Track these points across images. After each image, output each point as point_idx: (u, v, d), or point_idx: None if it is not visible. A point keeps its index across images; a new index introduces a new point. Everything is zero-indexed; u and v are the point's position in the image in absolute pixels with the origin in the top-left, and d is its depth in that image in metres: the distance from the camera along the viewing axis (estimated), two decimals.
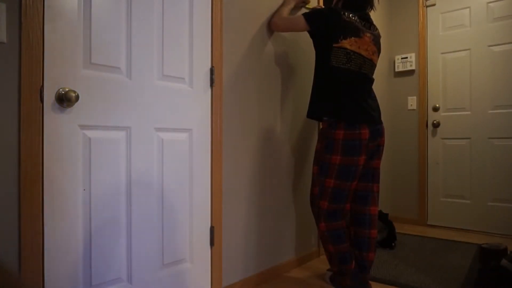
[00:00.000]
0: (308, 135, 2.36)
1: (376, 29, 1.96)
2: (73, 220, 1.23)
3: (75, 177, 1.23)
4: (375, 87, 3.27)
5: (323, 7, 2.27)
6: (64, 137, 1.20)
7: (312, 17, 1.84)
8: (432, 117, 3.34)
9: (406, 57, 3.45)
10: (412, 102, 3.44)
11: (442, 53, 3.29)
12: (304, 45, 2.30)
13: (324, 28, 1.80)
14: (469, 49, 3.16)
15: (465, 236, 3.01)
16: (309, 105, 1.92)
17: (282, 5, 2.07)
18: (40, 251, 1.15)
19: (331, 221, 1.83)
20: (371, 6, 1.95)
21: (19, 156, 1.10)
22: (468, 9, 3.16)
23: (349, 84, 1.80)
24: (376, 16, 3.33)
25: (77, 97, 1.19)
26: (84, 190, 1.26)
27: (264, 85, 2.00)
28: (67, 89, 1.18)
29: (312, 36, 1.90)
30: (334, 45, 1.78)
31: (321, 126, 1.87)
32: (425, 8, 3.38)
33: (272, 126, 2.06)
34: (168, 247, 1.53)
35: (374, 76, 2.00)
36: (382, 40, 3.41)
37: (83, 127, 1.25)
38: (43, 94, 1.15)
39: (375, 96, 1.92)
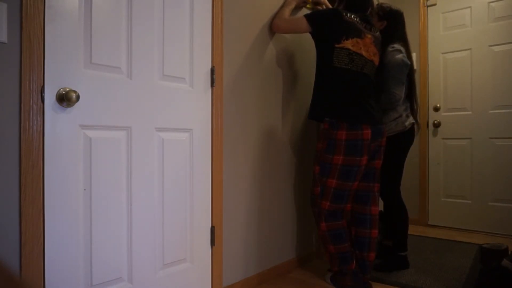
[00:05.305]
0: (309, 135, 2.36)
1: (377, 30, 1.96)
2: (74, 220, 1.23)
3: (76, 177, 1.23)
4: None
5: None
6: (64, 137, 1.20)
7: (314, 18, 1.84)
8: (433, 117, 3.33)
9: None
10: None
11: (443, 53, 3.29)
12: (305, 45, 2.30)
13: (326, 29, 1.80)
14: (470, 49, 3.15)
15: (466, 236, 3.01)
16: (310, 106, 1.91)
17: (283, 5, 2.07)
18: (41, 251, 1.15)
19: (332, 221, 1.83)
20: (372, 6, 1.96)
21: (19, 156, 1.10)
22: (469, 8, 3.16)
23: (351, 85, 1.80)
24: None
25: (77, 97, 1.19)
26: (85, 190, 1.26)
27: (265, 86, 2.00)
28: (67, 89, 1.18)
29: (313, 37, 1.90)
30: (336, 45, 1.78)
31: (322, 126, 1.87)
32: (426, 8, 3.38)
33: (273, 126, 2.06)
34: (168, 247, 1.53)
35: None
36: None
37: (83, 127, 1.25)
38: (43, 94, 1.15)
39: (376, 97, 1.92)
